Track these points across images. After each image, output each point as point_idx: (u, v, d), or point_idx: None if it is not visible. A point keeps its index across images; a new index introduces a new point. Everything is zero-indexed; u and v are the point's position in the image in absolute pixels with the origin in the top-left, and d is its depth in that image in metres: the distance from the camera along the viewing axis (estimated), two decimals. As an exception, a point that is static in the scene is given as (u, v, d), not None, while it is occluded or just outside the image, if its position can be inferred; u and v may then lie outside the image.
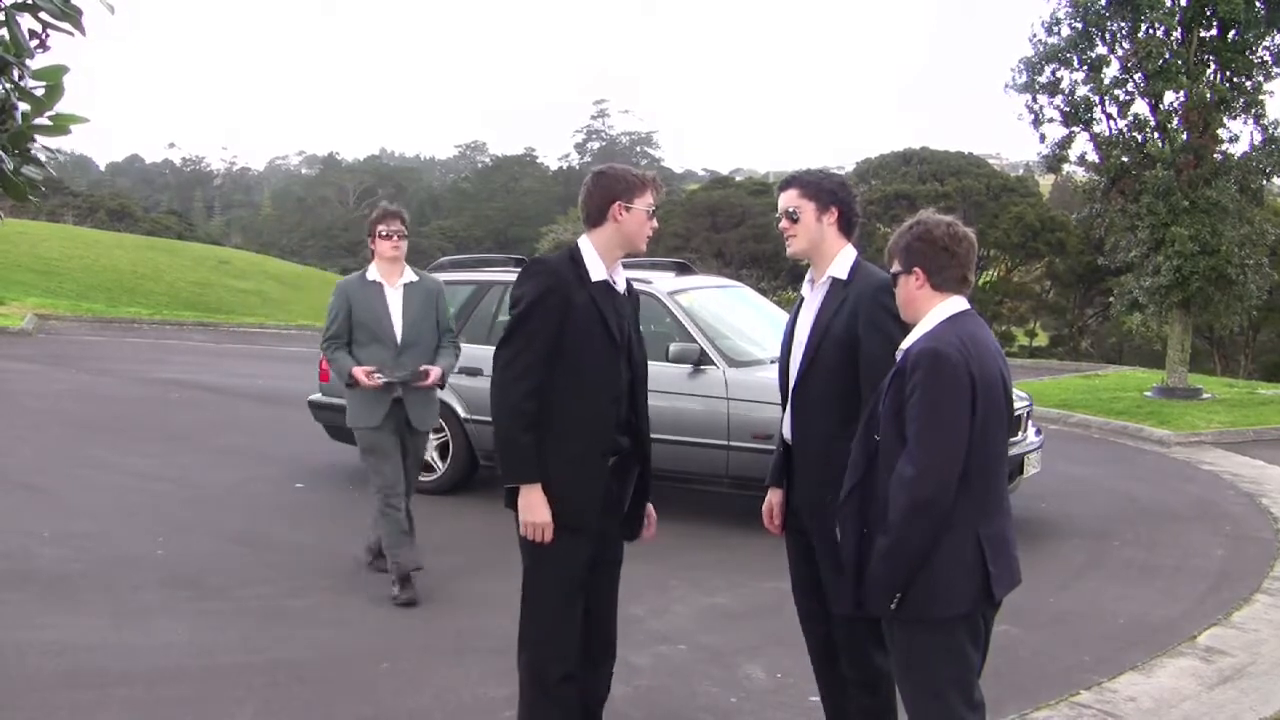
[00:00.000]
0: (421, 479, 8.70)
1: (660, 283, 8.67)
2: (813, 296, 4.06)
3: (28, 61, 3.50)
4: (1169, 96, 15.69)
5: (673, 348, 8.11)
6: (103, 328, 22.21)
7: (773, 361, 7.55)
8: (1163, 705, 5.18)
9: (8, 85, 3.43)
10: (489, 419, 3.99)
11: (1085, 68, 16.06)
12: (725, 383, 8.04)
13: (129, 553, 7.03)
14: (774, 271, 40.97)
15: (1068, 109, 16.19)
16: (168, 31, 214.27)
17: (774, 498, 4.18)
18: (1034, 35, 16.38)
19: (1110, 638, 6.11)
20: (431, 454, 8.77)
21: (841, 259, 4.02)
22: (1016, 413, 8.10)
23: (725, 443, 7.98)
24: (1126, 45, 15.71)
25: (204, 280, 34.03)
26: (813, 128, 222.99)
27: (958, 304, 3.43)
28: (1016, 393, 8.09)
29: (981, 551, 3.29)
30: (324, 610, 6.17)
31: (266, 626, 5.85)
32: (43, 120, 3.56)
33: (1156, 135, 15.86)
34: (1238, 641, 6.08)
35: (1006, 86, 16.53)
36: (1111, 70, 16.03)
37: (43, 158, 3.68)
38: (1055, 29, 16.16)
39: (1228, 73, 15.49)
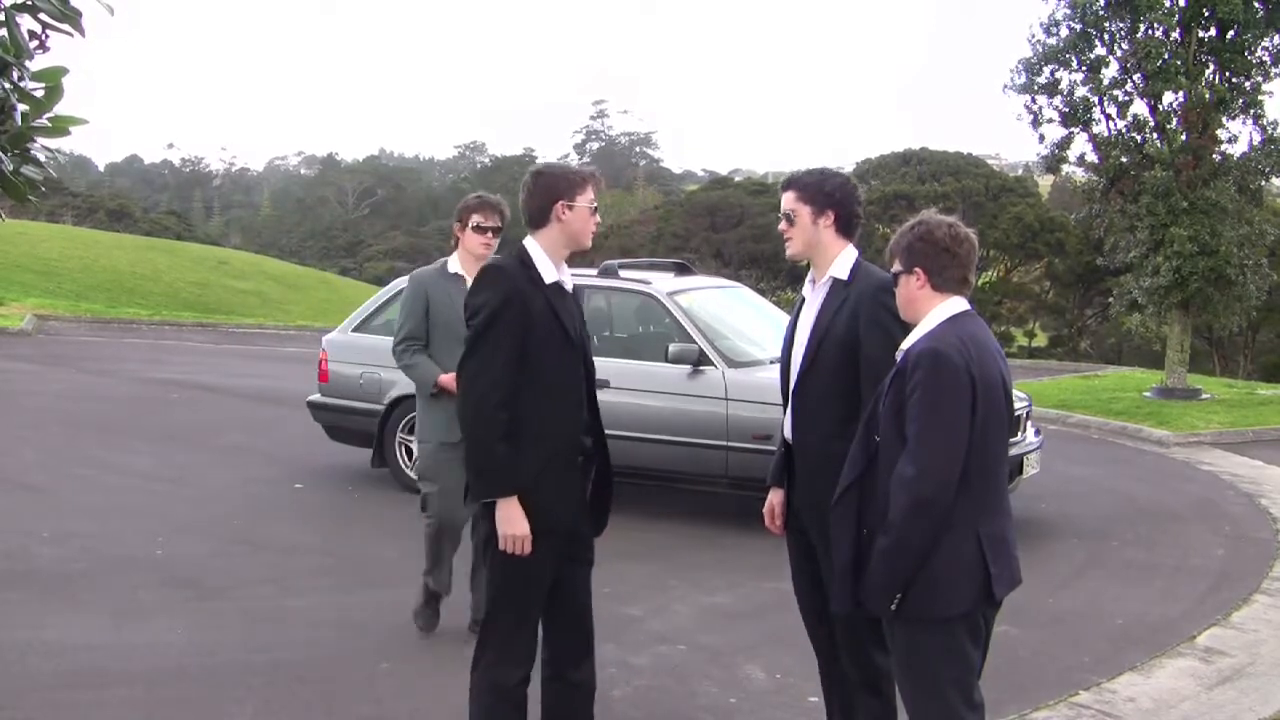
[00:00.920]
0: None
1: (659, 283, 8.68)
2: (814, 297, 4.07)
3: (27, 63, 3.51)
4: (1168, 97, 15.69)
5: (672, 348, 8.11)
6: (102, 328, 22.20)
7: (772, 362, 7.57)
8: (1162, 706, 5.18)
9: (7, 86, 3.44)
10: None
11: (1084, 68, 16.07)
12: (724, 383, 8.04)
13: (129, 553, 7.03)
14: (773, 272, 40.96)
15: (1067, 109, 16.19)
16: (167, 32, 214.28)
17: (775, 498, 4.19)
18: (1033, 36, 16.39)
19: (1109, 638, 6.12)
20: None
21: (842, 259, 4.02)
22: (1016, 413, 8.10)
23: (724, 443, 7.98)
24: (1125, 46, 15.71)
25: (203, 281, 34.01)
26: (812, 128, 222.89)
27: (958, 304, 3.44)
28: (1016, 393, 8.10)
29: (982, 551, 3.29)
30: (324, 610, 6.17)
31: (266, 626, 5.85)
32: (42, 121, 3.57)
33: (1155, 136, 15.86)
34: (1237, 642, 6.08)
35: (1005, 87, 16.54)
36: (1110, 71, 16.04)
37: (42, 158, 3.68)
38: (1054, 30, 16.16)
39: (1227, 73, 15.49)
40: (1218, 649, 5.96)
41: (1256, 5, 15.18)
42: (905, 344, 3.43)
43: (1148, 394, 15.93)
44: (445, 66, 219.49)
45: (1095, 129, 16.14)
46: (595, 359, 4.17)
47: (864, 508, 3.44)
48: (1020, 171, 56.89)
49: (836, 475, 3.57)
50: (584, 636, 4.08)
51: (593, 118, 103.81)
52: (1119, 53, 15.83)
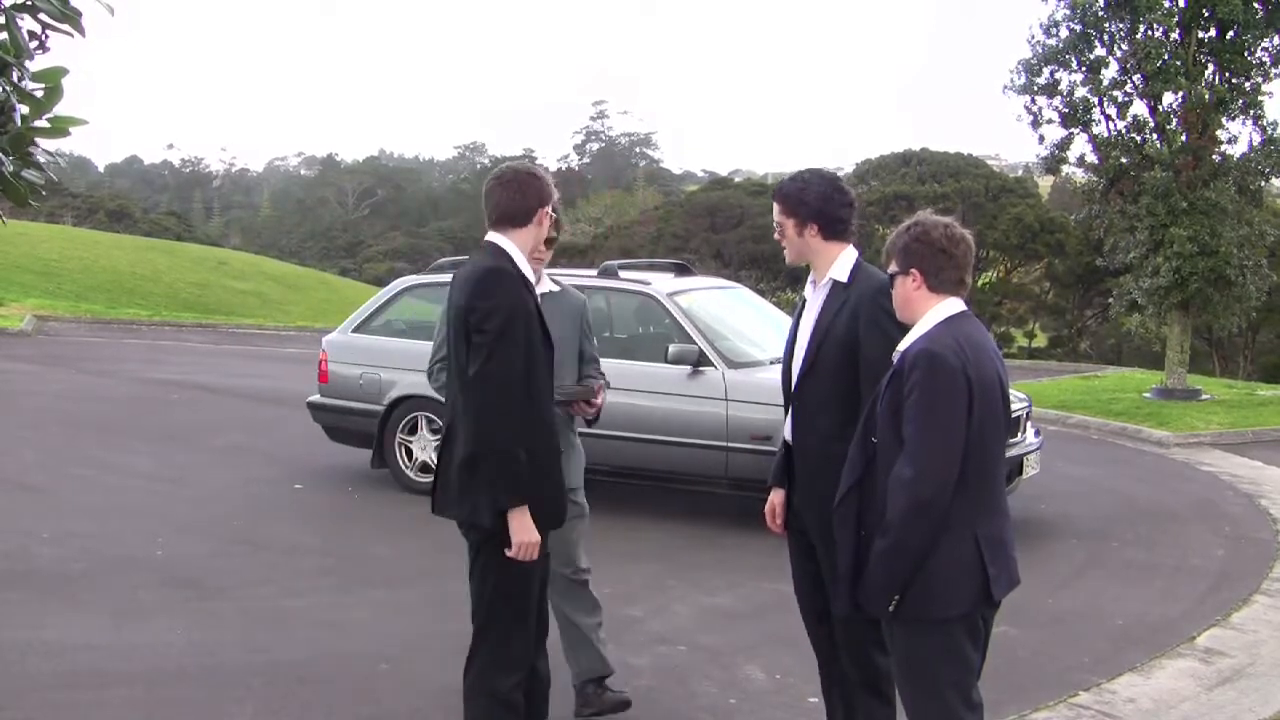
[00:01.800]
0: (422, 479, 8.73)
1: (659, 284, 8.68)
2: (814, 298, 4.08)
3: (27, 63, 3.51)
4: (1168, 97, 15.70)
5: (672, 349, 8.12)
6: (102, 329, 22.20)
7: (772, 363, 7.58)
8: (1161, 706, 5.18)
9: (7, 87, 3.44)
10: None
11: (1084, 69, 16.07)
12: (724, 384, 8.04)
13: (129, 553, 7.03)
14: (773, 272, 40.93)
15: (1066, 110, 16.20)
16: (167, 32, 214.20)
17: (776, 498, 4.20)
18: (1032, 37, 16.39)
19: (1109, 638, 6.12)
20: (431, 454, 8.76)
21: (841, 261, 4.03)
22: (1015, 414, 8.10)
23: (724, 444, 7.98)
24: (1125, 46, 15.71)
25: (203, 281, 34.00)
26: (812, 128, 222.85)
27: (954, 305, 3.44)
28: (1015, 394, 8.10)
29: (980, 552, 3.30)
30: (324, 610, 6.17)
31: (266, 626, 5.85)
32: (41, 122, 3.57)
33: (1155, 136, 15.87)
34: (1237, 642, 6.08)
35: (1005, 88, 16.54)
36: (1110, 71, 16.05)
37: (42, 159, 3.68)
38: (1054, 31, 16.16)
39: (1226, 74, 15.50)
40: (1218, 649, 5.96)
41: (1256, 6, 15.18)
42: (902, 345, 3.43)
43: (1147, 394, 15.93)
44: (445, 67, 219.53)
45: (1095, 130, 16.14)
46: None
47: (863, 509, 3.45)
48: (1020, 172, 56.87)
49: (837, 476, 3.57)
50: (545, 628, 4.13)
51: (593, 118, 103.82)
52: (1119, 53, 15.84)
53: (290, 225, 79.16)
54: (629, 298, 8.85)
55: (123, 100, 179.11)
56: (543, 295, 4.64)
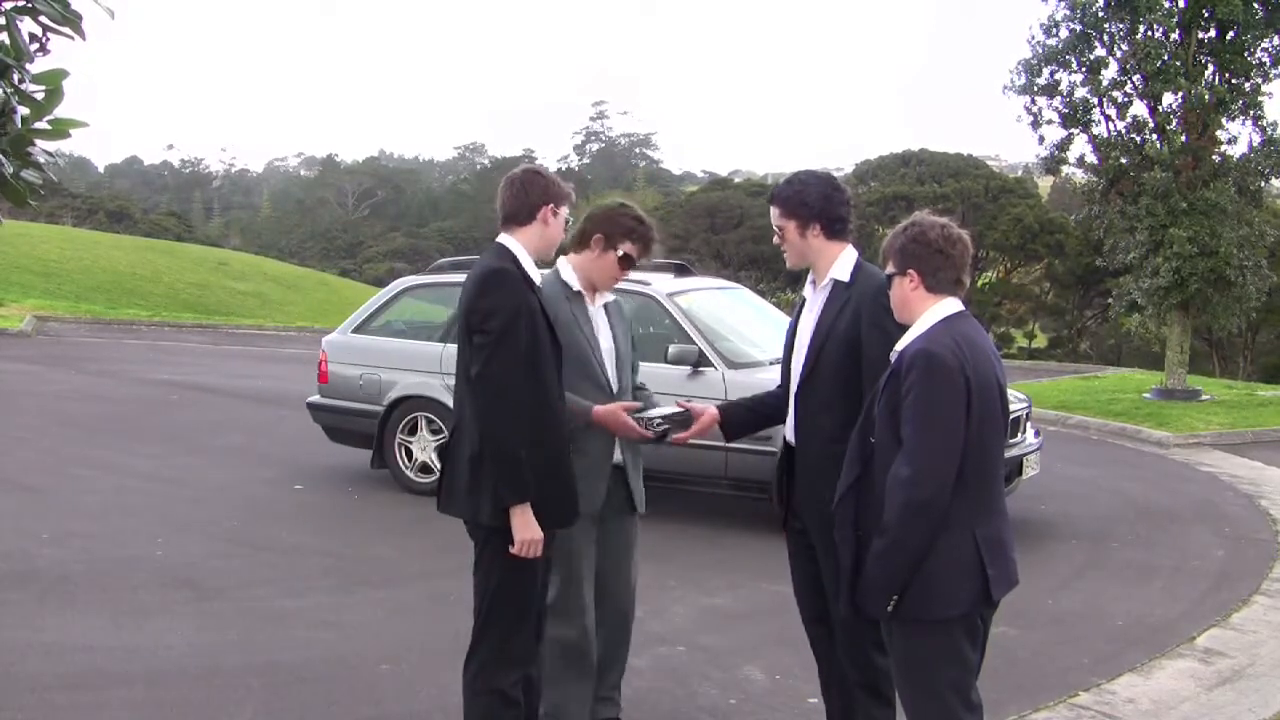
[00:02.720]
0: (422, 479, 8.73)
1: (659, 284, 8.68)
2: (814, 299, 4.07)
3: (28, 65, 3.51)
4: (1167, 98, 15.71)
5: (671, 349, 8.12)
6: (102, 329, 22.21)
7: (772, 363, 7.57)
8: (1161, 707, 5.18)
9: (8, 89, 3.44)
10: None
11: (1084, 69, 16.09)
12: (724, 384, 8.04)
13: (129, 553, 7.03)
14: (773, 273, 40.96)
15: (1066, 110, 16.21)
16: (167, 33, 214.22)
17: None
18: (1032, 37, 16.42)
19: (1109, 639, 6.12)
20: (431, 454, 8.76)
21: (842, 261, 4.03)
22: (1015, 414, 8.10)
23: (724, 444, 7.95)
24: (1125, 47, 15.72)
25: (203, 282, 34.00)
26: (812, 129, 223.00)
27: (952, 305, 3.44)
28: (1015, 394, 8.10)
29: (979, 553, 3.30)
30: (324, 610, 6.17)
31: (266, 627, 5.85)
32: (42, 125, 3.58)
33: (1155, 137, 15.88)
34: (1236, 643, 6.08)
35: (1005, 88, 16.56)
36: (1110, 72, 16.07)
37: (41, 160, 3.69)
38: (1054, 31, 16.18)
39: (1226, 74, 15.51)
40: (1217, 650, 5.96)
41: (1256, 6, 15.20)
42: (899, 345, 3.43)
43: (1147, 395, 15.94)
44: (445, 67, 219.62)
45: (1095, 130, 16.16)
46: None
47: (861, 510, 3.44)
48: (1020, 173, 56.91)
49: (837, 477, 3.57)
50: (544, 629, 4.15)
51: (593, 118, 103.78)
52: (1119, 54, 15.85)
53: (290, 226, 79.14)
54: (628, 298, 8.82)
55: (123, 101, 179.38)
56: (605, 305, 4.51)
